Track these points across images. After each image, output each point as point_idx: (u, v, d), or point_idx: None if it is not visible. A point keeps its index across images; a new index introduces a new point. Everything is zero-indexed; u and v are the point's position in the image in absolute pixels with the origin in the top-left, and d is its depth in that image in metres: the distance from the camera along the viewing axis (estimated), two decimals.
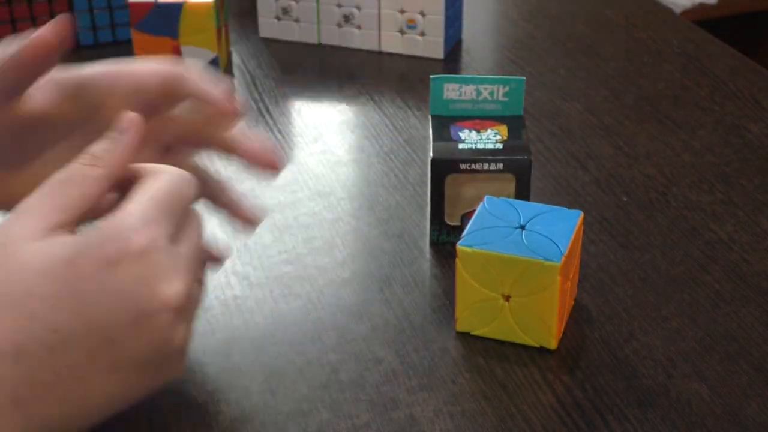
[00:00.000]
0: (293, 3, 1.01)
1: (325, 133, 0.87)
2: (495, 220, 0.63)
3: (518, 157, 0.69)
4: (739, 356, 0.62)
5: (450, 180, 0.70)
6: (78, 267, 0.49)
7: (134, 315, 0.50)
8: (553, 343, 0.62)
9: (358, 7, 1.00)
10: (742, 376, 0.60)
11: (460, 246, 0.61)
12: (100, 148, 0.53)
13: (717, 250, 0.71)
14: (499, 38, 1.07)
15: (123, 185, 0.53)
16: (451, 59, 1.00)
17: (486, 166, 0.69)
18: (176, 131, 0.63)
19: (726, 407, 0.58)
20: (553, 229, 0.62)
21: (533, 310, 0.61)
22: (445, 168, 0.69)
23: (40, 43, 0.57)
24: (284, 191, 0.79)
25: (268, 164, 0.62)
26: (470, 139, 0.70)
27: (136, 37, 0.93)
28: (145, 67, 0.60)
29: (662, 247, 0.72)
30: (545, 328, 0.62)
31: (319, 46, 1.03)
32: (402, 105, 0.91)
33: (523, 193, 0.69)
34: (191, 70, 0.60)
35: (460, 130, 0.71)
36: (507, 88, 0.72)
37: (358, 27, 1.01)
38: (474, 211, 0.65)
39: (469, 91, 0.72)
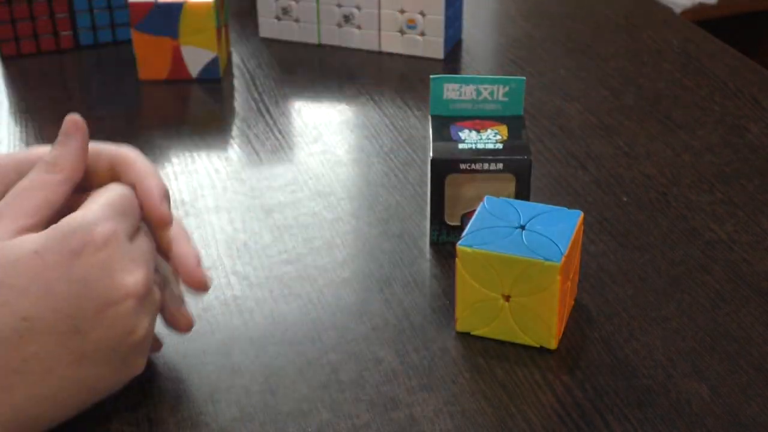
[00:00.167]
0: (293, 3, 1.01)
1: (325, 133, 0.87)
2: (495, 220, 0.63)
3: (518, 157, 0.69)
4: (739, 356, 0.62)
5: (450, 180, 0.70)
6: (44, 257, 0.52)
7: (99, 303, 0.53)
8: (553, 343, 0.62)
9: (358, 7, 1.00)
10: (742, 376, 0.60)
11: (460, 246, 0.61)
12: (54, 154, 0.57)
13: (717, 250, 0.71)
14: (499, 38, 1.07)
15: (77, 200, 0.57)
16: (451, 59, 1.00)
17: (486, 166, 0.69)
18: None
19: (726, 407, 0.58)
20: (553, 229, 0.62)
21: (533, 310, 0.61)
22: (445, 168, 0.69)
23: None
24: (284, 191, 0.79)
25: (194, 284, 0.59)
26: (470, 139, 0.70)
27: (136, 37, 0.93)
28: (94, 149, 0.60)
29: (662, 247, 0.72)
30: (545, 328, 0.62)
31: (319, 46, 1.03)
32: (402, 105, 0.91)
33: (523, 193, 0.69)
34: (138, 158, 0.59)
35: (460, 130, 0.71)
36: (507, 88, 0.72)
37: (358, 27, 1.01)
38: (474, 211, 0.65)
39: (469, 91, 0.72)
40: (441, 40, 0.99)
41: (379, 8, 0.99)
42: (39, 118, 0.90)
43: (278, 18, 1.03)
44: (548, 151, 0.84)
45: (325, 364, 0.62)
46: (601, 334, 0.64)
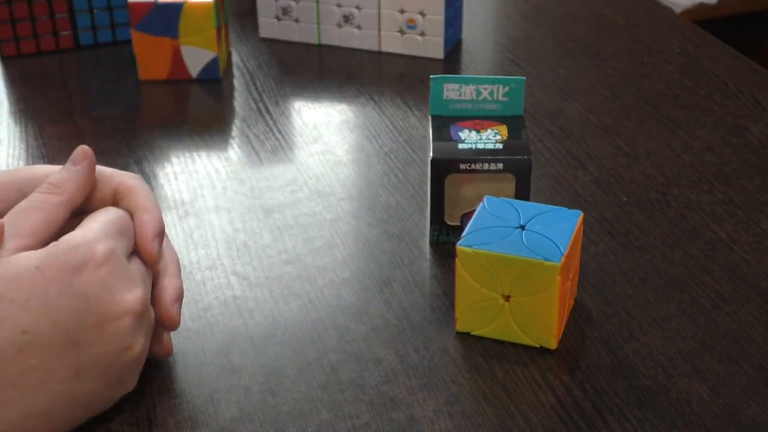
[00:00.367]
0: (293, 3, 1.01)
1: (325, 133, 0.87)
2: (495, 220, 0.63)
3: (518, 157, 0.69)
4: (739, 356, 0.62)
5: (450, 180, 0.70)
6: (45, 272, 0.53)
7: (98, 318, 0.54)
8: (553, 343, 0.62)
9: (358, 7, 1.00)
10: (742, 376, 0.60)
11: (460, 246, 0.61)
12: (58, 178, 0.58)
13: (717, 250, 0.71)
14: (499, 38, 1.07)
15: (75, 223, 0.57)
16: (451, 59, 1.00)
17: (486, 166, 0.69)
18: None
19: (726, 407, 0.58)
20: (553, 229, 0.62)
21: (533, 310, 0.61)
22: (445, 168, 0.69)
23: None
24: (284, 191, 0.79)
25: (165, 319, 0.59)
26: (470, 139, 0.70)
27: (136, 37, 0.93)
28: (101, 173, 0.61)
29: (662, 247, 0.72)
30: (545, 328, 0.62)
31: (319, 46, 1.03)
32: (402, 105, 0.91)
33: (523, 193, 0.69)
34: (141, 189, 0.60)
35: (460, 130, 0.71)
36: (507, 88, 0.72)
37: (358, 27, 1.01)
38: (474, 211, 0.65)
39: (469, 91, 0.72)
40: (441, 40, 0.99)
41: (379, 8, 0.99)
42: (39, 118, 0.90)
43: (278, 18, 1.03)
44: (548, 151, 0.84)
45: (325, 364, 0.62)
46: (601, 334, 0.64)
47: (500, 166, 0.69)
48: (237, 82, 0.96)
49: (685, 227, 0.74)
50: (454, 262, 0.62)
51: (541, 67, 0.98)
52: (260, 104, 0.92)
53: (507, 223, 0.63)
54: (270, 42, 1.04)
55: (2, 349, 0.51)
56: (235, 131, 0.88)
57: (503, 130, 0.71)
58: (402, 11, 0.98)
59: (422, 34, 0.99)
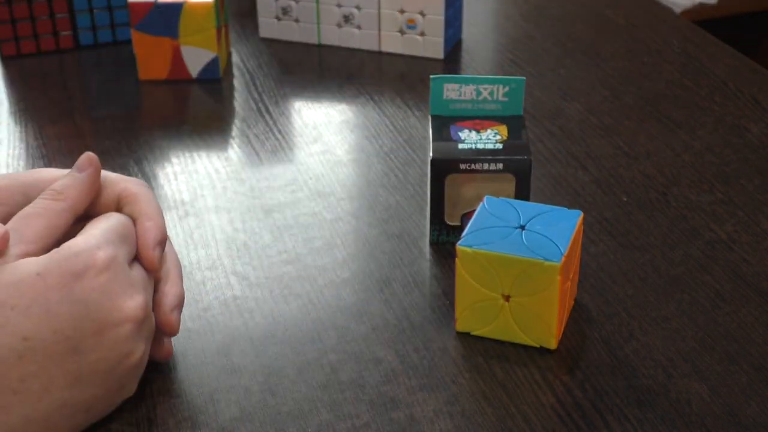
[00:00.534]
0: (293, 3, 1.01)
1: (325, 133, 0.87)
2: (495, 220, 0.63)
3: (518, 157, 0.69)
4: (739, 356, 0.62)
5: (450, 180, 0.70)
6: (46, 279, 0.53)
7: (99, 325, 0.54)
8: (553, 343, 0.62)
9: (358, 7, 1.00)
10: (742, 376, 0.60)
11: (460, 246, 0.61)
12: (61, 184, 0.58)
13: (717, 250, 0.71)
14: (499, 38, 1.07)
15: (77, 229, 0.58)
16: (451, 59, 1.00)
17: (486, 166, 0.69)
18: None
19: (726, 407, 0.58)
20: (553, 229, 0.62)
21: (533, 310, 0.61)
22: (445, 168, 0.69)
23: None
24: (284, 191, 0.79)
25: (164, 325, 0.59)
26: (470, 139, 0.70)
27: (136, 37, 0.93)
28: (107, 178, 0.61)
29: (662, 247, 0.72)
30: (545, 328, 0.62)
31: (319, 46, 1.03)
32: (402, 105, 0.91)
33: (523, 193, 0.69)
34: (146, 196, 0.60)
35: (460, 130, 0.71)
36: (507, 88, 0.72)
37: (358, 27, 1.01)
38: (474, 211, 0.65)
39: (469, 91, 0.72)
40: (441, 40, 0.99)
41: (379, 8, 0.99)
42: (39, 118, 0.90)
43: (278, 18, 1.03)
44: (548, 151, 0.84)
45: (324, 364, 0.62)
46: (601, 334, 0.64)
47: (500, 166, 0.69)
48: (237, 82, 0.96)
49: (685, 227, 0.74)
50: (454, 262, 0.62)
51: (541, 67, 0.98)
52: (260, 104, 0.92)
53: (507, 223, 0.63)
54: (270, 42, 1.04)
55: (3, 356, 0.51)
56: (235, 131, 0.88)
57: (503, 130, 0.71)
58: (402, 11, 0.98)
59: (422, 34, 0.99)
